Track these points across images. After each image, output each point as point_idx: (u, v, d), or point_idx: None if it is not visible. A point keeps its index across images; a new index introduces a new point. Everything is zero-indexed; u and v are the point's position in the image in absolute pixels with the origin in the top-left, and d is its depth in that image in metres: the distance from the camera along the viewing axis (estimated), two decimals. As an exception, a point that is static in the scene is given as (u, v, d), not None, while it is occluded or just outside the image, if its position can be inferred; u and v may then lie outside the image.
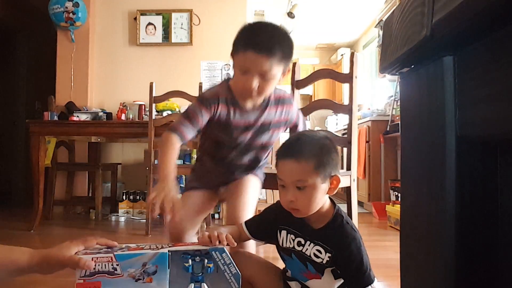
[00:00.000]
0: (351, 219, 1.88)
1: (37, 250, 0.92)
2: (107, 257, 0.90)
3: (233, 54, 1.26)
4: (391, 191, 3.56)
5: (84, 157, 4.00)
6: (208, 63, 4.05)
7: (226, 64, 4.03)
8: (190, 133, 1.31)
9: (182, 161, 3.85)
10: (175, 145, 1.27)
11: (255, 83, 1.22)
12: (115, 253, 0.93)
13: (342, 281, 1.06)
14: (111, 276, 0.89)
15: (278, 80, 1.27)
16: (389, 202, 3.54)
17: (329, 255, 1.03)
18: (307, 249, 1.06)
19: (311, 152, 1.01)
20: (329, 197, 1.09)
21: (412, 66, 0.56)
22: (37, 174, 3.05)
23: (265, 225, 1.16)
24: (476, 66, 0.44)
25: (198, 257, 0.98)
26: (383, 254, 2.40)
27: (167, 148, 1.26)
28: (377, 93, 5.34)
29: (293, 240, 1.09)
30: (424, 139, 0.54)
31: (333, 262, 1.03)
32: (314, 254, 1.05)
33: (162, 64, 4.06)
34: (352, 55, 1.92)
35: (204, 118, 1.31)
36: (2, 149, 5.09)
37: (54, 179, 3.68)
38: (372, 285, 1.00)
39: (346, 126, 2.43)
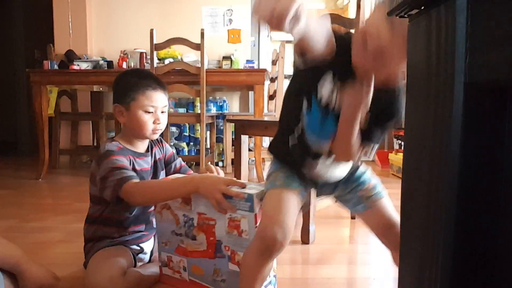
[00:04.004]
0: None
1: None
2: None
3: None
4: (394, 140, 3.56)
5: (87, 107, 3.99)
6: (210, 9, 3.91)
7: (228, 10, 3.89)
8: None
9: (185, 109, 3.83)
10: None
11: None
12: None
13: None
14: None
15: None
16: (392, 150, 3.56)
17: None
18: None
19: None
20: None
21: (422, 8, 0.53)
22: (41, 124, 3.07)
23: None
24: (492, 5, 0.41)
25: None
26: (384, 201, 2.45)
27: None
28: (384, 39, 5.19)
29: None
30: (430, 86, 0.52)
31: None
32: None
33: (162, 9, 3.93)
34: (359, -2, 1.84)
35: None
36: (4, 100, 5.07)
37: (58, 128, 3.69)
38: None
39: (351, 74, 2.38)
